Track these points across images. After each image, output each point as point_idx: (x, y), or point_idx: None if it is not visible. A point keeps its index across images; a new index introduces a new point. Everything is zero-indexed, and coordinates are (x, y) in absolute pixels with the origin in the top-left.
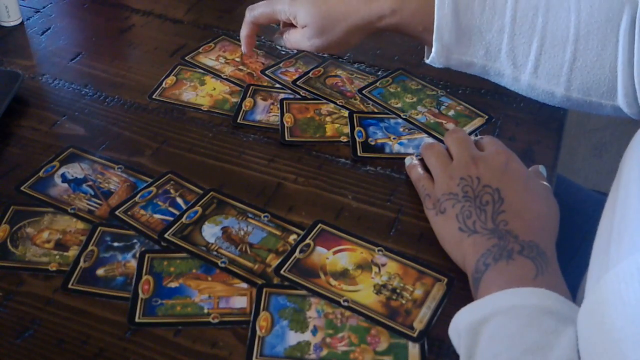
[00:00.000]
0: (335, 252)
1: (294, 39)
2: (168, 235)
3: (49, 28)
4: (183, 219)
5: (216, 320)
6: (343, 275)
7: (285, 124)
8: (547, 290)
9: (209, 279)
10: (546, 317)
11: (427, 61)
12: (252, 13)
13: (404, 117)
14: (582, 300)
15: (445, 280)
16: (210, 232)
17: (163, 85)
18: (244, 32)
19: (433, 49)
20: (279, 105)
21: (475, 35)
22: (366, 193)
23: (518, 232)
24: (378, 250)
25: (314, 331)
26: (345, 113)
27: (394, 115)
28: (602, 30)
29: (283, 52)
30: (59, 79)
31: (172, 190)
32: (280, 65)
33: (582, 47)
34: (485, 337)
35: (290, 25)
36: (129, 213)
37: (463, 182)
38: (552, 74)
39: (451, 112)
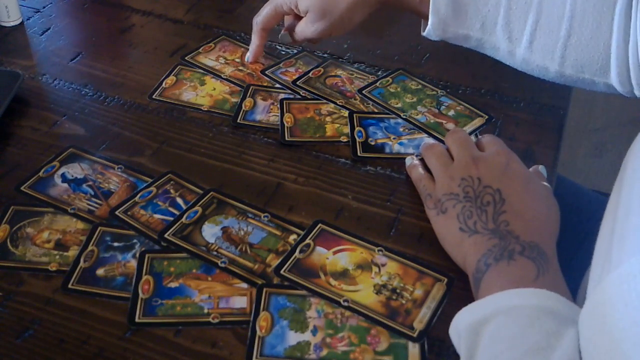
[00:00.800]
0: (335, 252)
1: (299, 29)
2: (168, 235)
3: (49, 28)
4: (183, 219)
5: (216, 320)
6: (343, 275)
7: (285, 124)
8: (548, 291)
9: (209, 279)
10: (547, 318)
11: (424, 34)
12: (258, 19)
13: (404, 117)
14: (583, 300)
15: (445, 280)
16: (210, 232)
17: (163, 85)
18: (256, 41)
19: (429, 22)
20: (279, 105)
21: (471, 9)
22: (366, 193)
23: (519, 232)
24: (378, 250)
25: (314, 331)
26: (345, 113)
27: (394, 115)
28: (598, 8)
29: (283, 52)
30: (59, 79)
31: (172, 190)
32: (280, 65)
33: (577, 24)
34: (486, 338)
35: (294, 19)
36: (129, 213)
37: (464, 183)
38: (547, 49)
39: (451, 112)
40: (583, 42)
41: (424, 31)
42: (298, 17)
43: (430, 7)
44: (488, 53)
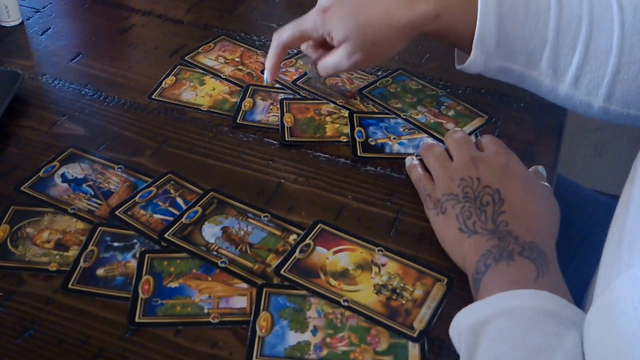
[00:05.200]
0: (335, 252)
1: (332, 62)
2: (168, 235)
3: (49, 28)
4: (183, 219)
5: (216, 320)
6: (343, 275)
7: (285, 124)
8: (548, 292)
9: (209, 279)
10: (548, 320)
11: (461, 67)
12: (281, 38)
13: (404, 117)
14: (583, 300)
15: (445, 280)
16: (210, 232)
17: (162, 85)
18: (272, 60)
19: (472, 55)
20: (279, 105)
21: (517, 43)
22: (366, 193)
23: (518, 232)
24: (378, 250)
25: (314, 331)
26: (345, 113)
27: (394, 115)
28: None
29: None
30: (59, 79)
31: (172, 190)
32: (280, 65)
33: (625, 59)
34: (486, 339)
35: (320, 48)
36: (129, 213)
37: (463, 183)
38: (593, 85)
39: (451, 112)
40: (631, 77)
41: (460, 64)
42: (322, 47)
43: (475, 38)
44: (528, 88)
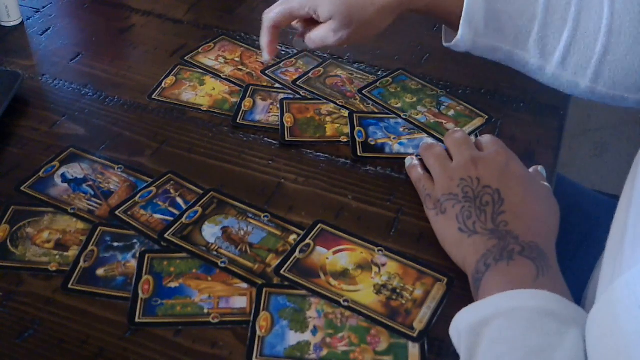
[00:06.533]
0: (335, 252)
1: (318, 36)
2: (168, 235)
3: (49, 28)
4: (183, 219)
5: (216, 320)
6: (343, 275)
7: (285, 124)
8: (548, 292)
9: (209, 279)
10: (548, 320)
11: (449, 44)
12: (269, 16)
13: (404, 117)
14: (591, 301)
15: (445, 280)
16: (210, 232)
17: (162, 85)
18: (265, 39)
19: (460, 32)
20: (279, 105)
21: (505, 21)
22: (366, 193)
23: (518, 232)
24: (378, 250)
25: (314, 331)
26: (345, 113)
27: (394, 115)
28: (635, 24)
29: (283, 52)
30: (59, 79)
31: (172, 190)
32: (280, 65)
33: (614, 40)
34: (486, 339)
35: (310, 23)
36: (129, 213)
37: (463, 183)
38: (580, 65)
39: (451, 112)
40: (619, 58)
41: (448, 42)
42: (312, 22)
43: (463, 16)
44: (515, 67)
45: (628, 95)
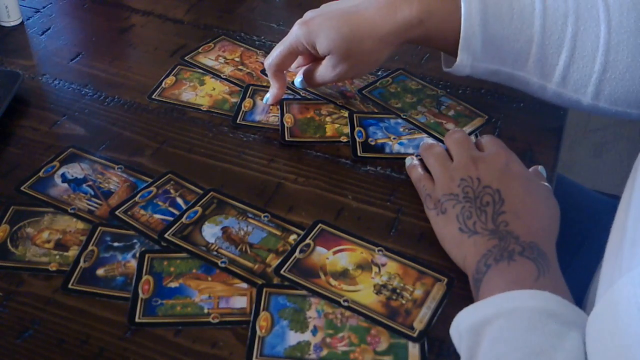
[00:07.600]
0: (335, 252)
1: (318, 74)
2: (168, 235)
3: (49, 28)
4: (183, 219)
5: (216, 320)
6: (343, 275)
7: (285, 124)
8: (549, 293)
9: (209, 279)
10: (549, 320)
11: (449, 70)
12: (270, 62)
13: (404, 117)
14: (592, 302)
15: (445, 280)
16: (210, 232)
17: (162, 85)
18: (276, 84)
19: (458, 58)
20: (278, 106)
21: (502, 45)
22: (366, 193)
23: (518, 232)
24: (378, 250)
25: (314, 331)
26: (345, 113)
27: (394, 115)
28: (633, 40)
29: None
30: (59, 79)
31: (172, 190)
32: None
33: (612, 58)
34: (487, 339)
35: (309, 60)
36: (129, 213)
37: (463, 183)
38: (580, 84)
39: (451, 112)
40: (618, 75)
41: (447, 67)
42: (312, 58)
43: (460, 43)
44: (518, 87)
45: (631, 111)
